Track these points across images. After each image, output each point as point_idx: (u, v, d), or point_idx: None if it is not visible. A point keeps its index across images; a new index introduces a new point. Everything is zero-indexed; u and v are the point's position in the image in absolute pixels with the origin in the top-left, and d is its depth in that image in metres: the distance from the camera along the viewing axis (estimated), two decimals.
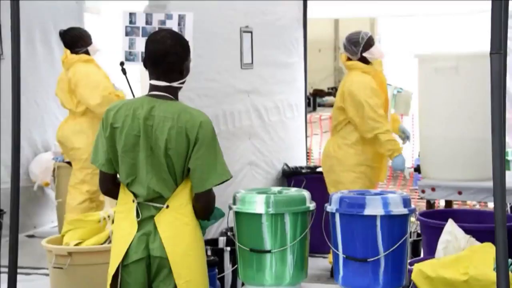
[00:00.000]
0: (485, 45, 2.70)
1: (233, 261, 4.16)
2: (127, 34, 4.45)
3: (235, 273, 4.15)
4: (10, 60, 3.16)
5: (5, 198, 4.33)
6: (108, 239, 3.98)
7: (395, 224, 2.98)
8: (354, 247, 2.98)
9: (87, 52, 5.06)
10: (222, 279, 4.16)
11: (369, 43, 4.63)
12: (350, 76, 4.66)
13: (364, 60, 4.63)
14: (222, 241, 4.51)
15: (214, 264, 3.97)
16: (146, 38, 2.72)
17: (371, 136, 4.53)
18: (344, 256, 3.00)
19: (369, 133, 4.52)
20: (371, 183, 4.70)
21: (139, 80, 6.43)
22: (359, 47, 4.62)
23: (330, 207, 3.07)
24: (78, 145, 5.05)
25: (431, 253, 3.45)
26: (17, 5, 3.05)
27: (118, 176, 2.71)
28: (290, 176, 5.73)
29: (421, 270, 3.00)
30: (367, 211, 2.96)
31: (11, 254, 3.05)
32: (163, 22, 4.39)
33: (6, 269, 3.15)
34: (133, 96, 4.39)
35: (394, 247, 2.95)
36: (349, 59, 4.69)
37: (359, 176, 4.62)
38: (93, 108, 4.95)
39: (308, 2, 6.26)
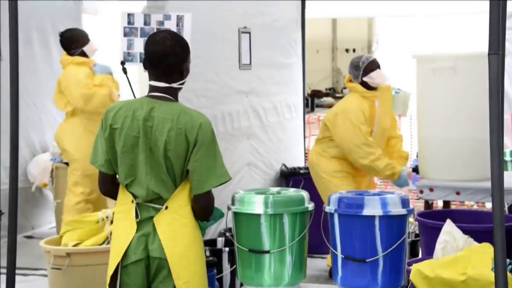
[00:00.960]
0: (483, 46, 2.70)
1: (232, 261, 4.16)
2: (125, 34, 4.46)
3: (233, 274, 4.15)
4: (8, 61, 3.16)
5: (3, 199, 4.32)
6: (107, 240, 3.97)
7: (393, 224, 2.98)
8: (353, 248, 2.98)
9: (83, 53, 5.06)
10: (220, 280, 4.17)
11: (370, 67, 4.61)
12: (349, 98, 4.68)
13: (366, 84, 4.63)
14: (220, 241, 4.51)
15: (213, 265, 3.97)
16: (145, 38, 2.73)
17: (366, 163, 4.49)
18: (343, 256, 3.00)
19: (364, 159, 4.48)
20: (357, 183, 4.70)
21: (138, 81, 6.43)
22: (359, 71, 4.63)
23: (329, 208, 3.07)
24: (68, 146, 5.06)
25: (429, 253, 3.46)
26: (15, 6, 3.05)
27: (117, 176, 2.71)
28: (288, 177, 5.73)
29: (419, 270, 3.01)
30: (366, 212, 2.97)
31: (9, 255, 3.05)
32: (161, 23, 4.40)
33: (5, 270, 3.14)
34: (134, 96, 4.39)
35: (392, 247, 2.95)
36: (351, 80, 4.70)
37: (342, 181, 4.63)
38: (79, 107, 4.96)
39: (306, 2, 6.27)
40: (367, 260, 2.96)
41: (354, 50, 16.28)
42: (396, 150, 4.83)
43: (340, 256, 3.02)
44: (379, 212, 2.96)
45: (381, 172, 4.53)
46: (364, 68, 4.62)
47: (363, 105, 4.59)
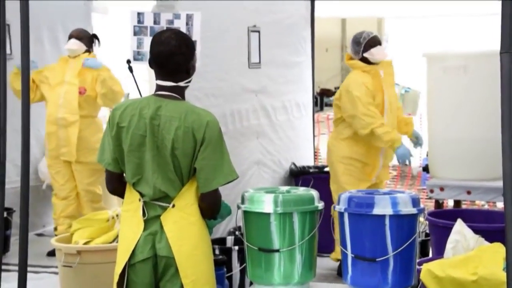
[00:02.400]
0: (494, 47, 2.69)
1: (241, 260, 4.16)
2: (135, 33, 4.46)
3: (243, 272, 4.15)
4: (18, 59, 3.17)
5: (14, 197, 4.34)
6: (117, 238, 3.99)
7: (404, 223, 2.97)
8: (363, 247, 2.98)
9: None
10: (230, 278, 4.17)
11: (370, 43, 4.60)
12: (350, 75, 4.69)
13: (366, 60, 4.62)
14: (230, 240, 4.52)
15: (223, 263, 3.97)
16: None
17: (367, 132, 4.48)
18: (353, 255, 2.99)
19: (365, 129, 4.48)
20: (360, 179, 4.67)
21: (148, 79, 6.44)
22: (360, 46, 4.61)
23: (339, 207, 3.07)
24: None
25: (439, 253, 3.45)
26: (27, 5, 3.06)
27: (124, 175, 2.72)
28: (297, 176, 5.72)
29: (430, 270, 3.00)
30: (376, 211, 2.96)
31: (21, 253, 3.06)
32: (171, 22, 4.40)
33: (16, 267, 3.16)
34: (140, 95, 4.40)
35: (403, 247, 2.94)
36: (352, 58, 4.69)
37: (348, 168, 4.63)
38: None
39: (316, 1, 6.26)
40: (377, 260, 2.95)
41: None
42: (402, 119, 4.81)
43: (350, 255, 3.01)
44: (389, 211, 2.95)
45: (381, 138, 4.48)
46: (365, 44, 4.60)
47: (364, 78, 4.57)
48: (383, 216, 2.95)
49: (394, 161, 4.94)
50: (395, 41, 8.08)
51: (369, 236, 2.96)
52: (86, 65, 5.07)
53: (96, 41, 5.28)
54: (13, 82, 4.88)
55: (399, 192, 3.12)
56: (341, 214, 3.06)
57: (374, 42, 4.61)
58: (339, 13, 8.22)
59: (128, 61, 4.32)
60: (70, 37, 5.21)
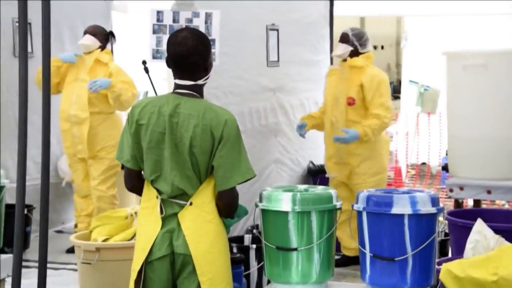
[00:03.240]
0: None
1: (259, 258, 4.16)
2: (154, 32, 4.48)
3: (261, 271, 4.15)
4: (39, 57, 3.19)
5: (34, 194, 4.39)
6: (135, 236, 4.00)
7: (423, 223, 2.95)
8: (381, 246, 2.96)
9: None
10: (248, 277, 4.17)
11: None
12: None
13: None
14: (248, 238, 4.52)
15: (240, 262, 3.97)
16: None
17: None
18: (371, 255, 2.98)
19: None
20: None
21: (166, 77, 6.47)
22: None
23: (357, 206, 3.05)
24: None
25: (459, 252, 3.41)
26: (48, 4, 3.08)
27: (142, 172, 2.73)
28: (315, 174, 5.71)
29: (449, 270, 2.97)
30: (395, 210, 2.94)
31: (41, 249, 3.09)
32: (190, 20, 4.41)
33: (36, 264, 3.19)
34: (156, 94, 4.41)
35: (422, 246, 2.92)
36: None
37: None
38: None
39: (335, 0, 6.24)
40: (396, 259, 2.93)
41: (382, 47, 16.13)
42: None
43: (368, 255, 3.00)
44: (408, 210, 2.93)
45: None
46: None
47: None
48: (402, 216, 2.93)
49: (413, 160, 4.92)
50: (414, 40, 8.03)
51: (388, 236, 2.94)
52: (96, 85, 4.97)
53: (112, 38, 5.26)
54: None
55: (418, 191, 3.10)
56: (359, 213, 3.05)
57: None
58: (358, 11, 8.18)
59: (144, 62, 4.32)
60: (84, 33, 5.21)
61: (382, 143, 4.75)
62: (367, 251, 3.00)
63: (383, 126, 4.66)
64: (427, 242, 2.93)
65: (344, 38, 4.76)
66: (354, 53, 4.74)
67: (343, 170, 4.81)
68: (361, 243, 3.04)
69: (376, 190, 3.19)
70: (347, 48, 4.74)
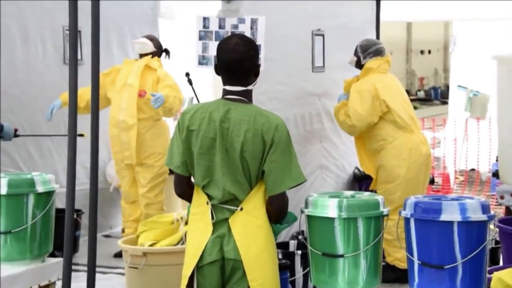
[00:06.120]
0: None
1: (304, 264, 4.14)
2: (200, 38, 4.52)
3: (306, 277, 4.13)
4: (89, 65, 3.25)
5: (83, 199, 4.47)
6: (181, 240, 4.04)
7: (473, 230, 2.89)
8: (430, 254, 2.91)
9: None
10: (293, 283, 4.15)
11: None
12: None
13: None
14: (293, 244, 4.51)
15: (286, 268, 3.96)
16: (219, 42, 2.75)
17: None
18: (419, 262, 2.94)
19: None
20: None
21: (211, 83, 6.52)
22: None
23: (405, 212, 3.01)
24: None
25: (511, 261, 3.33)
26: (97, 11, 3.13)
27: (192, 178, 2.75)
28: (361, 180, 5.66)
29: (500, 278, 2.90)
30: (444, 217, 2.89)
31: (90, 253, 3.14)
32: (235, 26, 4.43)
33: (85, 268, 3.24)
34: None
35: (472, 255, 2.86)
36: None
37: None
38: None
39: (381, 4, 6.18)
40: (445, 267, 2.88)
41: (429, 52, 15.94)
42: None
43: (416, 262, 2.95)
44: (458, 217, 2.88)
45: None
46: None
47: None
48: (451, 223, 2.88)
49: (462, 166, 4.82)
50: (463, 44, 7.89)
51: (437, 243, 2.90)
52: (159, 102, 4.95)
53: (167, 55, 5.32)
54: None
55: (467, 198, 3.04)
56: (407, 220, 3.00)
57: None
58: (405, 16, 8.09)
59: (187, 74, 4.36)
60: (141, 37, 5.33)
61: (392, 151, 4.65)
62: (415, 258, 2.95)
63: (343, 125, 4.80)
64: (477, 250, 2.87)
65: (355, 48, 4.89)
66: (358, 63, 4.85)
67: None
68: (409, 250, 2.99)
69: (424, 196, 3.14)
70: (352, 58, 4.89)
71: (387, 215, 3.10)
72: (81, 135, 4.62)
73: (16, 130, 4.13)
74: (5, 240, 3.27)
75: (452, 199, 3.03)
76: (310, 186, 5.04)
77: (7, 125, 3.99)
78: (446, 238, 2.88)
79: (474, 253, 2.86)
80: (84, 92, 4.45)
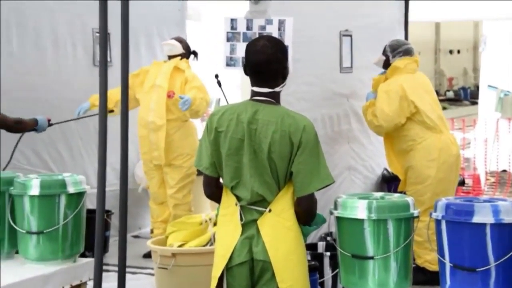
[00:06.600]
0: None
1: (333, 266, 4.12)
2: (228, 39, 4.52)
3: (335, 278, 4.11)
4: (118, 66, 3.27)
5: (112, 200, 4.51)
6: (210, 241, 4.05)
7: (506, 233, 2.85)
8: (462, 256, 2.88)
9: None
10: (322, 284, 4.14)
11: None
12: None
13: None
14: (321, 246, 4.49)
15: (315, 269, 3.95)
16: (247, 43, 2.75)
17: None
18: (451, 265, 2.90)
19: None
20: None
21: (239, 84, 6.53)
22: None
23: (436, 214, 2.98)
24: None
25: None
26: (126, 13, 3.15)
27: (221, 179, 2.75)
28: (390, 182, 5.61)
29: None
30: (476, 219, 2.85)
31: (120, 254, 3.16)
32: (263, 28, 4.43)
33: (114, 268, 3.26)
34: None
35: (506, 257, 2.81)
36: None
37: None
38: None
39: (410, 3, 6.13)
40: (477, 270, 2.84)
41: (458, 52, 15.74)
42: None
43: (448, 265, 2.91)
44: (491, 219, 2.84)
45: None
46: None
47: None
48: (484, 225, 2.84)
49: (493, 167, 4.76)
50: (494, 44, 7.78)
51: (469, 245, 2.86)
52: (187, 105, 4.97)
53: (195, 57, 5.35)
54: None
55: (500, 200, 3.00)
56: (438, 222, 2.97)
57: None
58: (433, 16, 8.00)
59: (216, 76, 4.38)
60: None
61: (421, 152, 4.60)
62: (446, 260, 2.92)
63: (370, 125, 4.78)
64: (511, 253, 2.82)
65: (383, 48, 4.86)
66: (386, 63, 4.80)
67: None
68: (440, 252, 2.96)
69: (455, 198, 3.11)
70: (380, 58, 4.85)
71: (417, 216, 3.06)
72: (111, 111, 4.74)
73: (49, 121, 4.27)
74: (38, 240, 3.31)
75: (484, 201, 2.99)
76: (338, 188, 5.01)
77: (40, 118, 4.16)
78: (479, 241, 2.84)
79: (508, 255, 2.82)
80: (113, 94, 4.48)
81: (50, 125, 4.27)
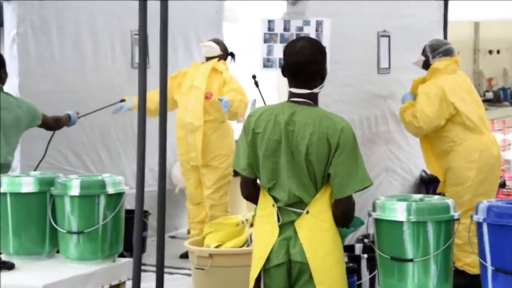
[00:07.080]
0: None
1: (371, 268, 4.09)
2: (265, 41, 4.53)
3: (373, 281, 4.08)
4: (156, 68, 3.30)
5: (150, 200, 4.54)
6: (247, 242, 4.05)
7: None
8: (504, 259, 2.81)
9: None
10: (359, 286, 4.11)
11: None
12: None
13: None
14: (359, 247, 4.46)
15: (353, 271, 3.92)
16: (284, 45, 2.75)
17: None
18: (493, 268, 2.84)
19: None
20: None
21: (276, 85, 6.53)
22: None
23: (477, 216, 2.93)
24: None
25: None
26: (166, 14, 3.18)
27: (258, 180, 2.76)
28: (428, 183, 5.55)
29: None
30: None
31: (158, 254, 3.18)
32: (300, 29, 4.42)
33: (152, 268, 3.28)
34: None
35: None
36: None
37: None
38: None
39: (449, 2, 6.05)
40: None
41: (498, 52, 15.47)
42: None
43: (490, 268, 2.86)
44: None
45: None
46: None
47: None
48: None
49: None
50: None
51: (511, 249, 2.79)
52: (228, 107, 4.99)
53: (232, 58, 5.35)
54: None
55: None
56: (479, 224, 2.92)
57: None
58: (473, 16, 7.89)
59: (254, 76, 4.40)
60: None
61: (461, 153, 4.52)
62: (488, 264, 2.86)
63: (409, 126, 4.69)
64: None
65: (423, 48, 4.79)
66: (426, 63, 4.73)
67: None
68: (482, 255, 2.90)
69: (497, 200, 3.05)
70: (420, 58, 4.78)
71: (458, 219, 3.02)
72: (123, 100, 4.96)
73: (77, 114, 4.65)
74: (78, 240, 3.36)
75: None
76: (375, 189, 4.97)
77: (71, 113, 4.60)
78: None
79: None
80: (152, 95, 4.53)
81: (78, 117, 4.65)
